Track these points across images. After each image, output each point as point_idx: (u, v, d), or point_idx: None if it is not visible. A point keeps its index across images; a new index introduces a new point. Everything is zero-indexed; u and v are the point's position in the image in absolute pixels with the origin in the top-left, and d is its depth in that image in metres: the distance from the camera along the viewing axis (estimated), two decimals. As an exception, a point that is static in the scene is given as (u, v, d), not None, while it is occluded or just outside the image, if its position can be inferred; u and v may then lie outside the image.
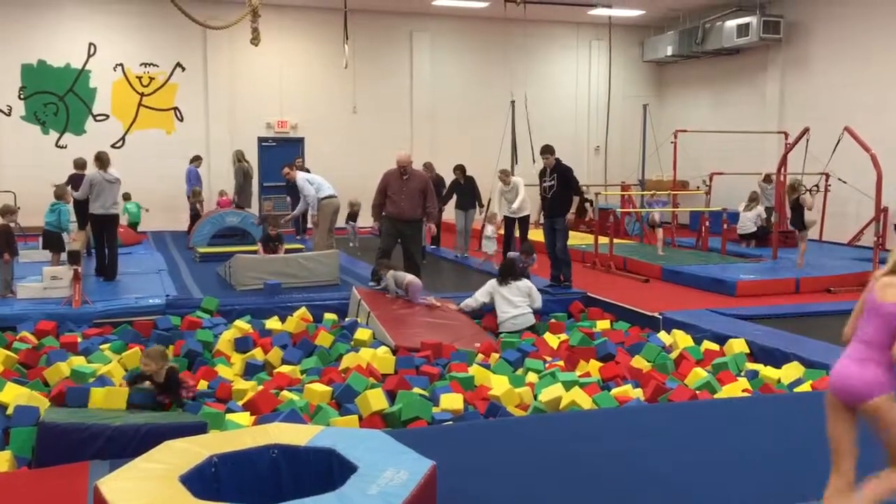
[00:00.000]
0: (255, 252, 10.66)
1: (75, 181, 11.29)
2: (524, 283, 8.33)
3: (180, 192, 15.39)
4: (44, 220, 9.91)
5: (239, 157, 14.77)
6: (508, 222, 11.61)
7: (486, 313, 8.52)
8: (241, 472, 3.42)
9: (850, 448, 3.18)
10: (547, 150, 9.76)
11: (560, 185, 9.57)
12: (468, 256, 12.41)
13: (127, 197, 14.65)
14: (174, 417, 5.06)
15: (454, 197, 13.00)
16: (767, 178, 14.40)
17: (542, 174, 9.84)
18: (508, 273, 8.39)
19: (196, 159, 15.21)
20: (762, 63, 16.66)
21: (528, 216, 11.61)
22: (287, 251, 10.80)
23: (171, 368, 5.68)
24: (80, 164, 12.08)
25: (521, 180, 11.62)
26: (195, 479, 3.20)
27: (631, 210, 14.66)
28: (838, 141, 10.89)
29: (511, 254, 9.88)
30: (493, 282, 8.42)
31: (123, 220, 13.66)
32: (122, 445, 4.26)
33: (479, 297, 8.44)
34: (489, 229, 11.81)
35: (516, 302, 8.15)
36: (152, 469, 3.24)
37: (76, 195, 10.35)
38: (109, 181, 9.95)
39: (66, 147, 15.91)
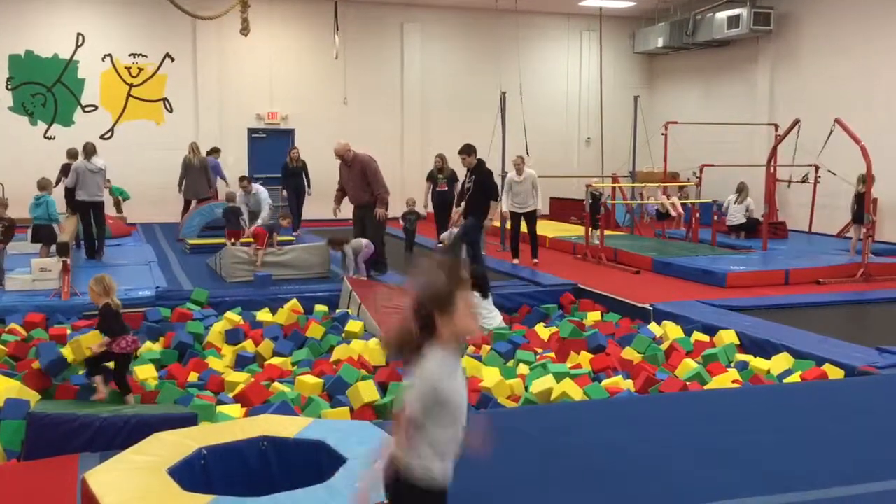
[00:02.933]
0: (248, 243, 10.53)
1: (68, 170, 11.56)
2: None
3: (170, 184, 15.32)
4: (30, 213, 9.91)
5: (191, 149, 14.18)
6: (515, 217, 10.98)
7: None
8: (230, 463, 3.41)
9: None
10: (466, 150, 9.42)
11: (476, 188, 9.33)
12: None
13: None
14: (164, 409, 5.05)
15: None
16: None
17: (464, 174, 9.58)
18: (487, 286, 8.18)
19: (214, 151, 15.14)
20: (752, 55, 16.68)
21: (535, 210, 10.96)
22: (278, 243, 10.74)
23: (107, 305, 5.49)
24: (72, 154, 12.17)
25: (535, 173, 10.92)
26: (184, 471, 3.19)
27: (623, 201, 14.67)
28: (830, 132, 10.91)
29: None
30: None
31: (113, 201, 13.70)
32: (112, 436, 4.25)
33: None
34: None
35: (491, 308, 8.11)
36: (141, 461, 3.23)
37: (66, 183, 11.00)
38: (93, 171, 10.64)
39: (54, 138, 15.82)
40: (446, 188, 12.46)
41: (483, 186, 9.37)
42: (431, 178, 12.70)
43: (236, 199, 11.67)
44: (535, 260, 10.85)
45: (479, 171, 9.43)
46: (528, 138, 15.04)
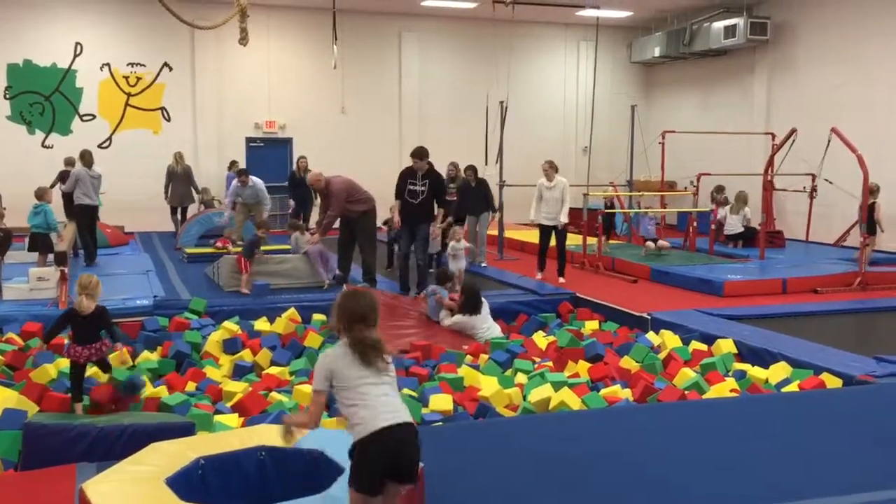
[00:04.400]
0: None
1: (65, 176, 11.97)
2: (486, 305, 8.20)
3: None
4: (28, 222, 9.93)
5: (175, 158, 14.37)
6: (544, 230, 10.29)
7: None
8: (228, 473, 3.41)
9: None
10: (420, 154, 9.22)
11: (431, 193, 9.22)
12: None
13: None
14: (162, 418, 5.04)
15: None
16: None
17: (410, 176, 9.28)
18: (478, 301, 8.12)
19: (234, 164, 15.29)
20: (749, 64, 16.73)
21: (565, 224, 10.21)
22: (274, 251, 10.71)
23: (101, 308, 5.59)
24: (69, 162, 12.48)
25: (566, 181, 10.23)
26: (182, 482, 3.18)
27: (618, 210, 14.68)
28: (828, 143, 10.94)
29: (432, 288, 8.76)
30: (461, 318, 8.05)
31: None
32: (109, 446, 4.24)
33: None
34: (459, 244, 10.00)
35: (488, 319, 8.06)
36: (138, 471, 3.22)
37: (63, 188, 11.51)
38: (93, 177, 11.25)
39: (52, 147, 15.81)
40: (457, 197, 11.88)
41: (438, 191, 9.31)
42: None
43: (230, 191, 12.45)
44: (562, 279, 10.13)
45: (434, 176, 9.32)
46: (524, 146, 15.10)
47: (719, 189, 14.40)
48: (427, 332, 7.75)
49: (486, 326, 7.97)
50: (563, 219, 10.09)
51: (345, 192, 9.40)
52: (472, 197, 11.71)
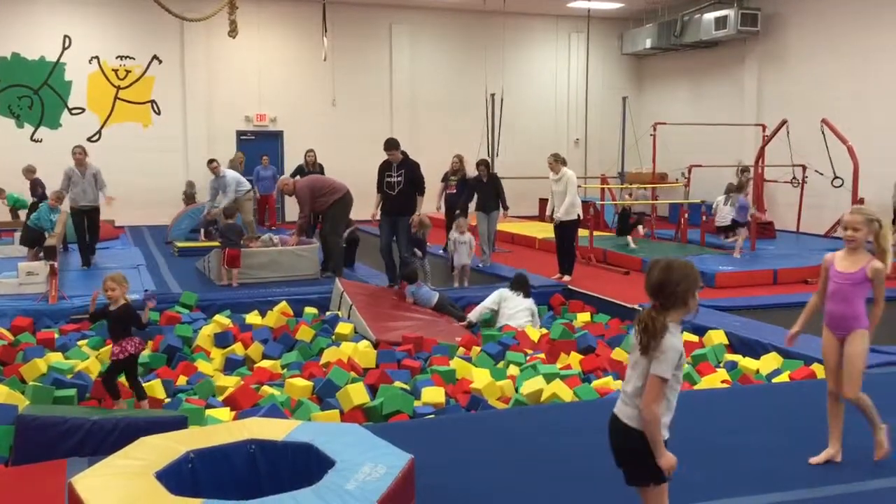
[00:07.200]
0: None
1: (38, 185, 12.32)
2: (531, 301, 8.10)
3: (157, 186, 15.31)
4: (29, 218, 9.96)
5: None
6: (555, 228, 9.95)
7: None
8: (218, 467, 3.39)
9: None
10: (393, 145, 9.11)
11: (407, 183, 9.10)
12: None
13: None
14: (154, 412, 5.02)
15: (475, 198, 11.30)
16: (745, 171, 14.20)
17: (386, 169, 9.16)
18: (523, 285, 8.12)
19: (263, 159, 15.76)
20: (740, 56, 16.76)
21: (575, 220, 9.75)
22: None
23: (127, 305, 5.67)
24: (32, 170, 13.04)
25: (573, 174, 9.76)
26: (171, 475, 3.17)
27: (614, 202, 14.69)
28: (823, 134, 10.96)
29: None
30: (503, 290, 8.10)
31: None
32: (101, 440, 4.22)
33: (489, 304, 8.05)
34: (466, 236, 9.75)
35: (521, 316, 7.89)
36: (128, 465, 3.20)
37: (107, 192, 10.87)
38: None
39: (41, 141, 15.75)
40: (455, 190, 11.68)
41: (414, 179, 9.17)
42: (446, 179, 12.03)
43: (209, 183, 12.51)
44: (564, 276, 9.86)
45: (409, 164, 9.20)
46: (516, 139, 15.11)
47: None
48: (419, 325, 7.74)
49: (516, 312, 7.88)
50: (561, 214, 9.63)
51: (308, 193, 9.97)
52: (482, 193, 11.05)
